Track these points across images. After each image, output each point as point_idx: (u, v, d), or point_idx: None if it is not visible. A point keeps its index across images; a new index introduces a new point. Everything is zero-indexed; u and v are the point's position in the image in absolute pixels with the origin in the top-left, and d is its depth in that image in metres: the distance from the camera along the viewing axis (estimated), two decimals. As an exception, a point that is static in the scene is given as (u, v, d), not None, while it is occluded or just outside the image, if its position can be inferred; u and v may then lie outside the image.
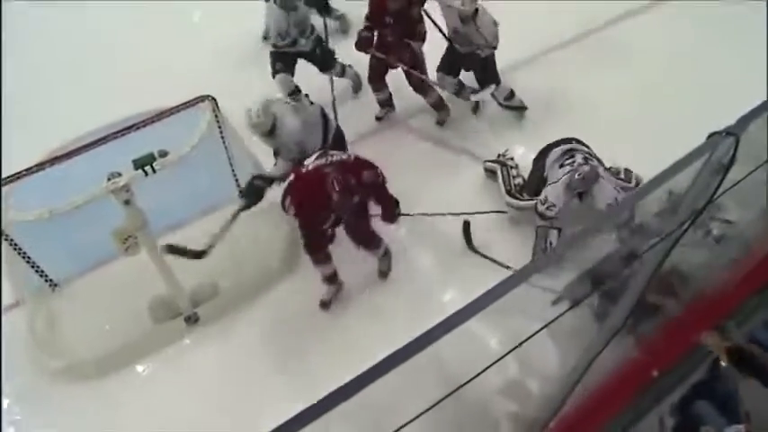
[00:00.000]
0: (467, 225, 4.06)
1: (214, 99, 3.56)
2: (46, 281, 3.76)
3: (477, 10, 4.22)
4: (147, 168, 3.29)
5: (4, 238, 3.40)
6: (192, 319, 3.72)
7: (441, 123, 4.87)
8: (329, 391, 1.28)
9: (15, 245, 3.46)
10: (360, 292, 3.93)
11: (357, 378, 1.28)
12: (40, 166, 3.38)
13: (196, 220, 3.98)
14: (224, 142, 3.76)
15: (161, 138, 3.47)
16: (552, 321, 1.92)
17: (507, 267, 3.76)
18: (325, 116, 4.06)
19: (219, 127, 3.66)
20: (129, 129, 3.48)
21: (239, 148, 3.94)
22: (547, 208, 3.64)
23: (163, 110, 3.53)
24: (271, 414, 1.36)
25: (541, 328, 1.85)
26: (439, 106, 4.81)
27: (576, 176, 3.52)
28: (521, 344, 1.82)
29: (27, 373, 3.57)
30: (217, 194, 4.02)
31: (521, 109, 4.80)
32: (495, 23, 4.31)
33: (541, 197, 3.71)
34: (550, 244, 3.80)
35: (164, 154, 3.40)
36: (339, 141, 4.12)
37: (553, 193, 3.66)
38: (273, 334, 3.73)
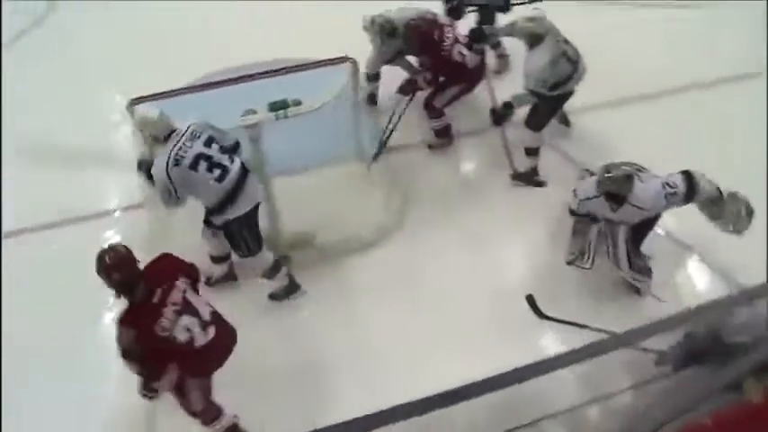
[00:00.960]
0: (531, 299, 3.48)
1: (355, 62, 3.50)
2: (170, 191, 3.94)
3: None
4: (280, 113, 3.34)
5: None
6: (284, 260, 3.77)
7: (430, 147, 4.41)
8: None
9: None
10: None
11: (434, 397, 1.17)
12: (186, 90, 3.58)
13: (309, 171, 4.01)
14: (356, 105, 3.72)
15: (297, 87, 3.50)
16: (641, 384, 1.73)
17: (584, 327, 3.19)
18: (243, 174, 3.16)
19: (355, 89, 3.61)
20: (270, 72, 3.53)
21: (367, 114, 3.92)
22: (579, 201, 3.30)
23: (307, 62, 3.52)
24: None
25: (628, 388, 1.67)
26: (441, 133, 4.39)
27: (606, 175, 3.10)
28: (599, 399, 1.65)
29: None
30: (335, 152, 4.02)
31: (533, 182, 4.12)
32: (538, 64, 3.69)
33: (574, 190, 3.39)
34: (590, 244, 3.46)
35: (297, 103, 3.44)
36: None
37: (584, 187, 3.31)
38: (349, 296, 3.67)
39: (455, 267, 3.72)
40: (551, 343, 3.29)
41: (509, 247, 3.93)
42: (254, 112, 3.37)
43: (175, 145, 3.06)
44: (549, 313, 3.36)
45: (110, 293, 2.55)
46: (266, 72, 3.51)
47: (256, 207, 3.28)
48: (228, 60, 4.43)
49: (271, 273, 3.47)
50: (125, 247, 2.57)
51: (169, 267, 2.69)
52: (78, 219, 4.03)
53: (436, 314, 3.44)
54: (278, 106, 3.38)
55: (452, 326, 3.36)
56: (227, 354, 2.75)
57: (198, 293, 2.73)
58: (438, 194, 4.14)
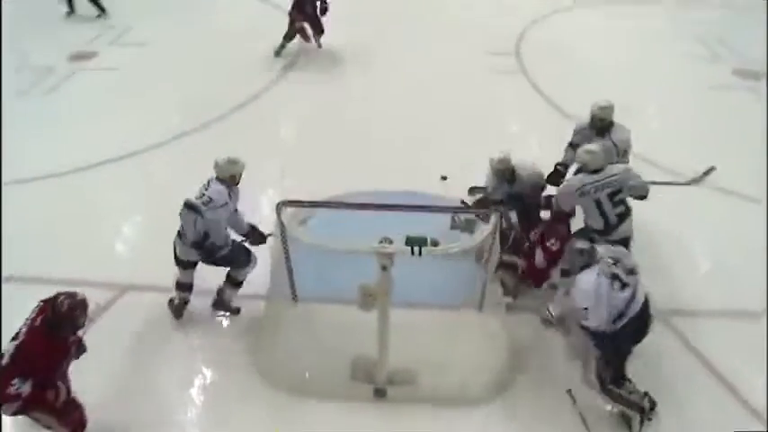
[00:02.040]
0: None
1: (501, 216, 3.45)
2: (292, 293, 3.98)
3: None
4: (416, 249, 3.27)
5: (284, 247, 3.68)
6: (380, 393, 3.57)
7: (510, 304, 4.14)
8: None
9: (287, 256, 3.72)
10: None
11: None
12: (329, 204, 3.93)
13: (428, 308, 3.92)
14: (489, 257, 3.60)
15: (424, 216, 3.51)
16: None
17: None
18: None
19: (493, 242, 3.51)
20: (415, 207, 3.53)
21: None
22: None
23: (456, 206, 3.53)
24: None
25: None
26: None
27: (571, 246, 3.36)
28: None
29: (243, 355, 3.85)
30: (456, 297, 3.92)
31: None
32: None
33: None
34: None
35: (435, 243, 3.36)
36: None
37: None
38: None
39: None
40: None
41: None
42: (390, 242, 3.35)
43: (207, 190, 3.73)
44: None
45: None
46: (412, 206, 3.52)
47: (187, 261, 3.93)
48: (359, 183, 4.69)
49: (177, 285, 4.05)
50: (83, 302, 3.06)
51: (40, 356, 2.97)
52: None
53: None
54: (416, 242, 3.32)
55: None
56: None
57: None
58: (551, 369, 3.78)
